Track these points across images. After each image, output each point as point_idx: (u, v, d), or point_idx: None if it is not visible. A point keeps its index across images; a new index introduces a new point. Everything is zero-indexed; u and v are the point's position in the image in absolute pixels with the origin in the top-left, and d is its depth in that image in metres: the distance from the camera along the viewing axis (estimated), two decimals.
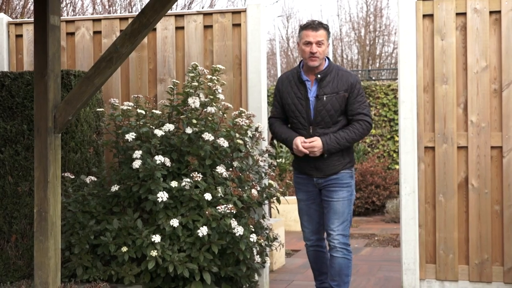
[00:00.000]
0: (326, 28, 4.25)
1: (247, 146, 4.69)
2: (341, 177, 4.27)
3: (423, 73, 4.77)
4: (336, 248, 4.25)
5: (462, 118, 4.72)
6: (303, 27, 4.26)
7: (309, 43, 4.20)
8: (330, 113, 4.20)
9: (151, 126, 4.55)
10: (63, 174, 4.41)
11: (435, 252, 4.74)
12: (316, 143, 4.19)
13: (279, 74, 13.83)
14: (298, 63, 4.41)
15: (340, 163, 4.27)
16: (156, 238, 4.13)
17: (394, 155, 11.54)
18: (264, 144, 4.87)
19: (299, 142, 4.22)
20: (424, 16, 4.77)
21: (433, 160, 4.75)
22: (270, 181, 4.74)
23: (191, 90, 4.62)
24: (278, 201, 4.78)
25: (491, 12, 4.66)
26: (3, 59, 5.47)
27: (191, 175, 4.28)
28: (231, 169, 4.50)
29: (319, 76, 4.23)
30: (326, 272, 4.47)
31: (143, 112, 4.54)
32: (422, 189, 4.75)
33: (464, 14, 4.70)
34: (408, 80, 4.73)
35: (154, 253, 4.12)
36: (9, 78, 4.76)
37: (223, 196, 4.33)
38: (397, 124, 11.44)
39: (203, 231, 4.12)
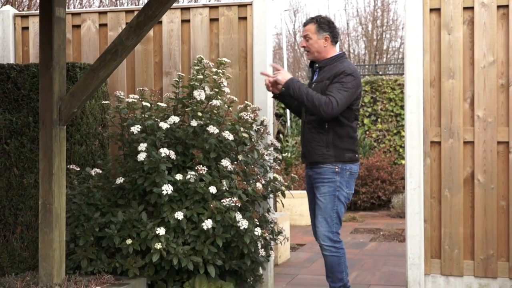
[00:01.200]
0: (316, 21, 4.33)
1: (252, 139, 4.68)
2: (323, 171, 4.21)
3: (429, 67, 4.74)
4: (322, 246, 4.22)
5: (469, 113, 4.70)
6: None
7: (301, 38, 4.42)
8: None
9: (156, 119, 4.54)
10: (68, 166, 4.42)
11: (440, 247, 4.73)
12: (283, 71, 4.28)
13: (285, 69, 13.81)
14: (305, 57, 4.50)
15: (322, 154, 4.20)
16: (161, 231, 4.13)
17: (400, 150, 11.53)
18: (270, 138, 4.86)
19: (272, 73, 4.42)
20: (431, 10, 4.74)
21: (439, 155, 4.73)
22: (275, 175, 4.73)
23: (196, 83, 4.62)
24: (283, 195, 4.77)
25: (498, 7, 4.63)
26: (9, 51, 5.48)
27: (196, 168, 4.28)
28: (236, 162, 4.50)
29: (316, 65, 4.38)
30: None
31: (149, 104, 4.54)
32: (428, 184, 4.73)
33: (472, 8, 4.67)
34: (415, 75, 4.71)
35: (158, 245, 4.12)
36: (15, 70, 4.77)
37: (228, 189, 4.33)
38: (403, 119, 11.41)
39: (207, 224, 4.12)
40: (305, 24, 4.38)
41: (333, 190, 4.19)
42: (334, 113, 4.07)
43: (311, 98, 4.09)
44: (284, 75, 4.24)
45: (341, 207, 4.23)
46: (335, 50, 4.35)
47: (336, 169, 4.20)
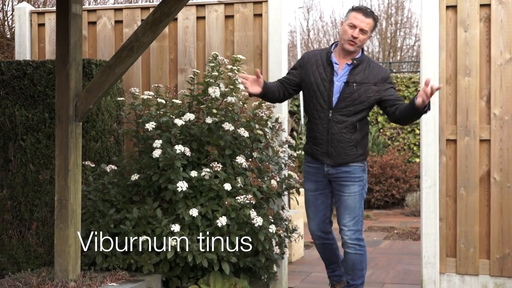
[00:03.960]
0: (375, 19, 4.17)
1: (267, 136, 4.67)
2: (353, 170, 4.19)
3: (445, 65, 4.71)
4: (347, 244, 4.21)
5: (485, 111, 4.66)
6: (354, 9, 4.14)
7: (354, 26, 4.09)
8: (355, 102, 4.10)
9: (171, 116, 4.55)
10: (83, 162, 4.43)
11: (456, 246, 4.70)
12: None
13: None
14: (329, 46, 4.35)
15: (353, 154, 4.16)
16: (176, 228, 4.14)
17: (415, 148, 11.47)
18: (284, 135, 4.85)
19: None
20: (447, 7, 4.71)
21: (454, 153, 4.70)
22: (290, 172, 4.73)
23: (211, 80, 4.61)
24: (298, 192, 4.77)
25: None
26: (25, 48, 5.50)
27: (211, 165, 4.28)
28: (250, 159, 4.49)
29: (355, 62, 4.14)
30: (336, 262, 4.47)
31: (164, 101, 4.55)
32: (443, 182, 4.71)
33: (488, 5, 4.64)
34: (431, 72, 4.68)
35: (173, 242, 4.12)
36: (31, 67, 4.79)
37: (242, 186, 4.32)
38: None
39: (222, 221, 4.12)
40: (365, 14, 4.10)
41: (361, 189, 4.22)
42: None
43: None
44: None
45: (363, 205, 4.28)
46: None
47: (364, 167, 4.24)
